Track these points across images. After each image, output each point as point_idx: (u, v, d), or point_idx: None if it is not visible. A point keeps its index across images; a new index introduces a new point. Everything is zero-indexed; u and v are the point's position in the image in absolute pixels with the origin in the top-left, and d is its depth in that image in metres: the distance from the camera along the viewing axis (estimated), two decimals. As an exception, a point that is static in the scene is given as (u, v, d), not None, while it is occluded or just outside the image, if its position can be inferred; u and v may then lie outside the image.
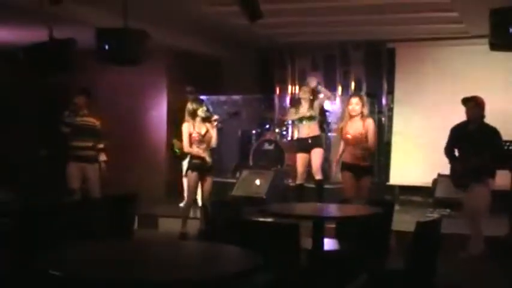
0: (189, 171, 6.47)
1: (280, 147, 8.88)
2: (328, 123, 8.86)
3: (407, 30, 8.50)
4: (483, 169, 5.57)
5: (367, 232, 4.17)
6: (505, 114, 7.44)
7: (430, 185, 8.03)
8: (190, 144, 6.37)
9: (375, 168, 8.08)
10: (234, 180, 8.53)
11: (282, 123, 9.13)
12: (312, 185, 7.35)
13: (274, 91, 9.98)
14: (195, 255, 3.01)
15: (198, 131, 6.37)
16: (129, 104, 9.20)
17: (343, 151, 6.41)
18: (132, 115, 9.26)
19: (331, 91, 8.30)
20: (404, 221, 6.11)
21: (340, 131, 6.47)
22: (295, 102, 8.01)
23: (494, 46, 4.26)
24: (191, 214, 6.81)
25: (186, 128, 6.38)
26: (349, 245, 4.20)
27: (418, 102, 8.94)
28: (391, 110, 9.30)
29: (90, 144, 6.74)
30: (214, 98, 9.51)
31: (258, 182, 8.16)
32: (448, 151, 5.88)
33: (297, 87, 9.53)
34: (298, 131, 7.61)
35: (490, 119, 5.77)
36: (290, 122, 8.45)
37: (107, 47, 4.45)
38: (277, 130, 9.23)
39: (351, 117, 6.32)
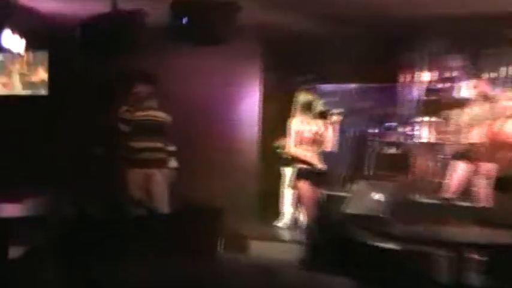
0: (297, 180, 6.33)
1: (406, 152, 8.62)
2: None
3: None
4: None
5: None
6: None
7: None
8: (299, 144, 6.22)
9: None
10: (344, 194, 8.28)
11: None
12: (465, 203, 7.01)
13: (397, 79, 9.69)
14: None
15: (312, 128, 6.20)
16: (209, 96, 9.08)
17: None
18: (213, 109, 9.11)
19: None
20: None
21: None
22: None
23: None
24: (291, 235, 6.67)
25: (296, 124, 6.26)
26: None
27: None
28: None
29: (156, 145, 6.67)
30: (320, 87, 9.33)
31: (376, 196, 7.87)
32: None
33: (430, 75, 9.20)
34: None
35: None
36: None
37: (184, 21, 4.39)
38: (401, 129, 8.96)
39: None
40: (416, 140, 8.85)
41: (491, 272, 4.13)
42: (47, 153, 8.58)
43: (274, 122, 7.23)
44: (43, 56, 9.17)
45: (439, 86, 8.88)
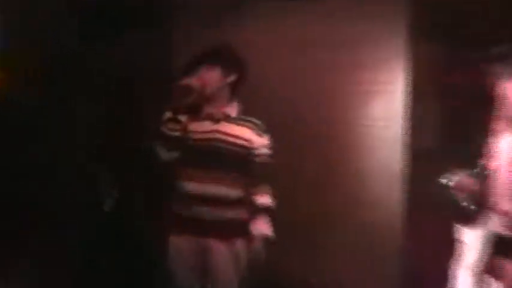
0: (495, 257, 3.49)
1: None
2: None
3: None
4: None
5: None
6: None
7: None
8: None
9: None
10: None
11: None
12: None
13: None
14: None
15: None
16: (318, 95, 5.14)
17: None
18: (325, 117, 5.09)
19: None
20: None
21: None
22: None
23: None
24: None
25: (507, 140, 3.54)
26: None
27: None
28: None
29: (229, 194, 3.62)
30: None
31: None
32: None
33: None
34: None
35: None
36: None
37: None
38: None
39: None
40: None
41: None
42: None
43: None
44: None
45: None
